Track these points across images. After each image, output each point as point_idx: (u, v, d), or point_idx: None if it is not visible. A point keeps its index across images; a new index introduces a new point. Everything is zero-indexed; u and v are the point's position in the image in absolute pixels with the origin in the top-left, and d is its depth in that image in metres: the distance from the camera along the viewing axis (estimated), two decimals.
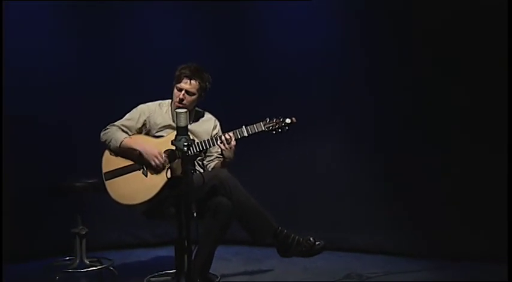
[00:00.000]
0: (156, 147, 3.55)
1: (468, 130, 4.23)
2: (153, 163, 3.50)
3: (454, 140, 4.27)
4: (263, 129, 3.52)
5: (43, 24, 4.57)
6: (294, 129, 3.58)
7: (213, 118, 3.82)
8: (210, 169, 3.71)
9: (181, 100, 3.61)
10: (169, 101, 3.77)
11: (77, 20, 4.68)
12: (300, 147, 4.70)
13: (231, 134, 3.49)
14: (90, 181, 3.97)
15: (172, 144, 3.17)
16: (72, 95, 4.65)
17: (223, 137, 3.48)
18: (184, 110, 3.11)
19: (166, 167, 3.48)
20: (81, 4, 4.62)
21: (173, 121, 3.64)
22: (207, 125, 3.77)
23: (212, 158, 3.75)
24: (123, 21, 4.81)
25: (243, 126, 3.52)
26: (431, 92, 4.33)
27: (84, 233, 4.01)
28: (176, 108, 3.40)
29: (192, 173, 3.13)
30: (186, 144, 3.10)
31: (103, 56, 4.72)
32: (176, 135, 3.16)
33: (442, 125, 4.32)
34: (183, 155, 3.10)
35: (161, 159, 3.50)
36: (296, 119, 3.56)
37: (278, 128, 3.53)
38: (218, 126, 3.81)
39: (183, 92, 3.62)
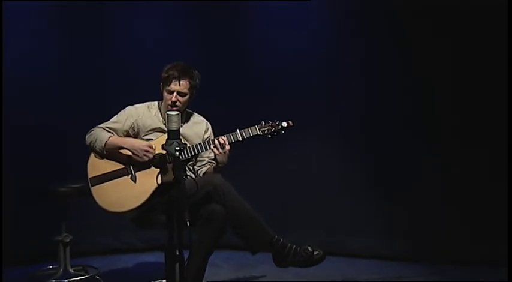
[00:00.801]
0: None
1: (468, 131, 4.18)
2: (145, 158, 3.33)
3: (454, 141, 4.22)
4: (258, 133, 3.38)
5: (27, 24, 4.43)
6: (289, 131, 3.47)
7: (205, 121, 3.66)
8: (201, 174, 3.56)
9: (174, 103, 3.44)
10: (158, 102, 3.60)
11: (66, 19, 4.56)
12: (294, 149, 4.61)
13: (224, 138, 3.34)
14: (75, 186, 3.85)
15: (162, 148, 3.01)
16: (59, 95, 4.54)
17: (216, 141, 3.33)
18: (176, 112, 2.95)
19: (157, 172, 3.31)
20: (72, 4, 4.52)
21: (163, 124, 3.49)
22: (199, 128, 3.61)
23: (203, 162, 3.59)
24: (114, 21, 4.71)
25: (237, 130, 3.37)
26: (431, 92, 4.27)
27: (68, 240, 3.89)
28: (167, 111, 3.23)
29: (184, 179, 2.97)
30: (178, 148, 2.93)
31: (93, 56, 4.61)
32: (167, 139, 2.99)
33: (441, 126, 4.27)
34: (175, 160, 2.94)
35: (153, 152, 3.32)
36: (293, 122, 3.42)
37: (274, 132, 3.39)
38: (210, 130, 3.65)
39: (175, 93, 3.45)
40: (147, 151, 3.34)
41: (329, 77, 4.57)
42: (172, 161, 2.98)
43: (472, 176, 4.14)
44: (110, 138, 3.41)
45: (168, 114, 2.96)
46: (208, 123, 3.66)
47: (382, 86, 4.43)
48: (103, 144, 3.39)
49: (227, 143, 3.31)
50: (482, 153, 4.09)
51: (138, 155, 3.35)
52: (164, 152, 3.26)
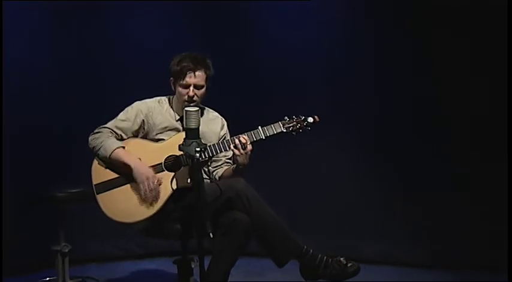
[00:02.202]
0: (155, 155, 3.02)
1: (486, 136, 3.96)
2: (142, 187, 2.95)
3: (473, 143, 4.02)
4: (282, 130, 3.02)
5: (24, 25, 4.15)
6: None
7: (219, 116, 3.30)
8: (217, 176, 3.20)
9: (191, 98, 3.07)
10: (169, 97, 3.23)
11: (64, 20, 4.30)
12: (305, 150, 4.30)
13: (245, 137, 2.97)
14: (75, 191, 3.51)
15: (180, 149, 2.67)
16: (57, 95, 4.23)
17: (237, 141, 2.96)
18: (195, 108, 2.61)
19: (171, 176, 2.95)
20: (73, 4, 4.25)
21: (176, 121, 3.14)
22: (214, 125, 3.24)
23: (219, 163, 3.21)
24: (114, 22, 4.41)
25: (259, 127, 3.01)
26: (445, 93, 4.06)
27: (66, 250, 3.56)
28: (185, 107, 2.89)
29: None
30: (198, 149, 2.59)
31: (93, 57, 4.33)
32: (185, 139, 2.66)
33: (458, 127, 4.07)
34: (194, 162, 2.59)
35: (151, 184, 2.94)
36: (319, 117, 3.08)
37: (299, 128, 3.04)
38: (226, 126, 3.29)
39: (191, 87, 3.07)
40: (147, 179, 2.94)
41: (339, 77, 4.35)
42: (191, 163, 2.65)
43: (493, 179, 3.92)
44: (117, 150, 3.01)
45: (186, 110, 2.61)
46: (224, 120, 3.31)
47: (395, 85, 4.21)
48: (107, 155, 3.01)
49: (249, 143, 2.96)
50: (504, 156, 3.89)
51: (138, 179, 2.96)
52: (178, 153, 2.97)
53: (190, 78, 3.06)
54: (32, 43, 4.17)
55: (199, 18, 4.49)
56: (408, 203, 4.19)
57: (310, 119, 3.06)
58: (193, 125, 2.62)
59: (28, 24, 4.16)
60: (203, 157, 2.68)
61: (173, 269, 3.07)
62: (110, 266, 4.27)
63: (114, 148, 3.01)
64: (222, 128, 3.26)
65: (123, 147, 3.04)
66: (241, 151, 2.94)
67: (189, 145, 2.64)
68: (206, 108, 3.27)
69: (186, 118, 2.62)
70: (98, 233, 4.18)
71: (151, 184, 2.93)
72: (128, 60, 4.36)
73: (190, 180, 2.75)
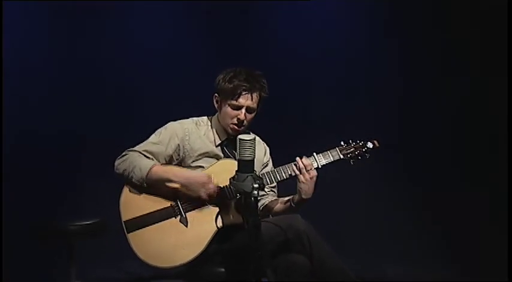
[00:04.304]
0: None
1: None
2: (204, 195, 2.56)
3: (502, 159, 3.92)
4: (340, 157, 2.67)
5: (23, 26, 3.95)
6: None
7: (261, 141, 2.90)
8: (261, 208, 2.79)
9: (241, 122, 2.68)
10: (207, 118, 2.84)
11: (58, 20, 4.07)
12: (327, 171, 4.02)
13: (308, 160, 2.62)
14: (89, 223, 3.14)
15: (232, 184, 2.27)
16: (57, 100, 3.99)
17: (300, 163, 2.59)
18: (252, 136, 2.20)
19: (215, 211, 2.55)
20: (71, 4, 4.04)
21: (216, 146, 2.75)
22: (258, 151, 2.69)
23: (263, 193, 2.80)
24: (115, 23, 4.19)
25: (314, 154, 2.65)
26: (474, 102, 4.03)
27: None
28: (233, 132, 2.54)
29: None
30: (256, 186, 2.19)
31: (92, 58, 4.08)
32: (237, 172, 2.25)
33: (484, 147, 4.03)
34: (252, 201, 2.19)
35: (213, 186, 2.56)
36: (378, 142, 2.72)
37: (358, 155, 2.69)
38: (268, 152, 2.91)
39: (243, 110, 2.68)
40: (205, 184, 2.56)
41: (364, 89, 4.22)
42: (245, 200, 2.24)
43: None
44: (155, 167, 2.60)
45: (240, 139, 2.21)
46: (266, 145, 2.92)
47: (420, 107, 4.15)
48: (144, 175, 2.58)
49: (313, 167, 2.59)
50: None
51: (193, 190, 2.56)
52: (220, 183, 2.57)
53: (244, 100, 2.67)
54: (31, 44, 3.96)
55: (200, 19, 4.29)
56: (433, 226, 4.09)
57: (370, 145, 2.70)
58: (248, 157, 2.21)
59: (28, 24, 3.94)
60: (259, 194, 2.29)
61: None
62: None
63: (151, 165, 2.60)
64: (265, 154, 2.88)
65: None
66: (307, 176, 2.58)
67: (243, 180, 2.22)
68: (248, 131, 2.85)
69: (239, 148, 2.21)
70: (101, 256, 3.86)
71: (210, 186, 2.55)
72: (128, 61, 4.12)
73: (243, 218, 2.33)
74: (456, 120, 4.14)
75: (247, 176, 2.24)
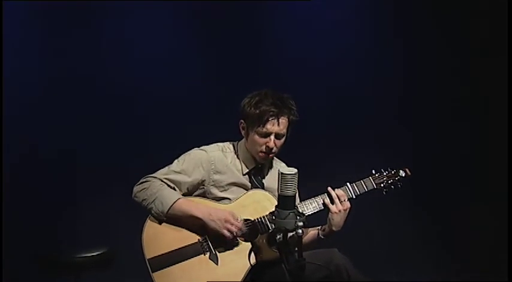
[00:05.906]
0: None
1: None
2: (227, 233, 2.40)
3: (499, 163, 3.87)
4: (374, 187, 2.55)
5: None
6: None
7: (283, 164, 2.76)
8: None
9: (270, 149, 2.52)
10: (233, 144, 2.67)
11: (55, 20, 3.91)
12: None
13: (342, 191, 2.50)
14: (96, 254, 2.88)
15: (272, 222, 2.13)
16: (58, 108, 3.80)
17: (334, 194, 2.47)
18: (294, 171, 2.06)
19: (247, 247, 2.39)
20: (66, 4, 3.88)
21: (243, 174, 2.57)
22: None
23: None
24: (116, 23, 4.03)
25: (347, 184, 2.53)
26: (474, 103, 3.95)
27: None
28: (262, 160, 2.44)
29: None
30: (300, 224, 2.05)
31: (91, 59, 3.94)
32: (278, 209, 2.09)
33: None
34: (297, 239, 2.05)
35: (237, 224, 2.41)
36: (410, 170, 2.61)
37: (391, 184, 2.57)
38: (296, 179, 2.74)
39: (272, 137, 2.51)
40: (227, 222, 2.40)
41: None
42: (290, 240, 2.10)
43: None
44: (179, 201, 2.42)
45: (282, 173, 2.05)
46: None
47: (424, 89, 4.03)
48: (165, 210, 2.41)
49: (346, 198, 2.48)
50: None
51: (215, 228, 2.41)
52: (250, 216, 2.43)
53: (272, 126, 2.50)
54: (30, 46, 3.82)
55: (200, 18, 4.18)
56: (442, 238, 4.02)
57: (402, 173, 2.59)
58: (290, 192, 2.07)
59: (27, 24, 3.80)
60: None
61: None
62: None
63: (175, 199, 2.43)
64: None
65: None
66: (340, 207, 2.45)
67: (285, 217, 2.08)
68: (275, 158, 2.70)
69: (281, 183, 2.07)
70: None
71: (237, 224, 2.40)
72: (129, 61, 3.99)
73: (281, 255, 2.18)
74: (456, 120, 4.07)
75: (289, 213, 2.09)
